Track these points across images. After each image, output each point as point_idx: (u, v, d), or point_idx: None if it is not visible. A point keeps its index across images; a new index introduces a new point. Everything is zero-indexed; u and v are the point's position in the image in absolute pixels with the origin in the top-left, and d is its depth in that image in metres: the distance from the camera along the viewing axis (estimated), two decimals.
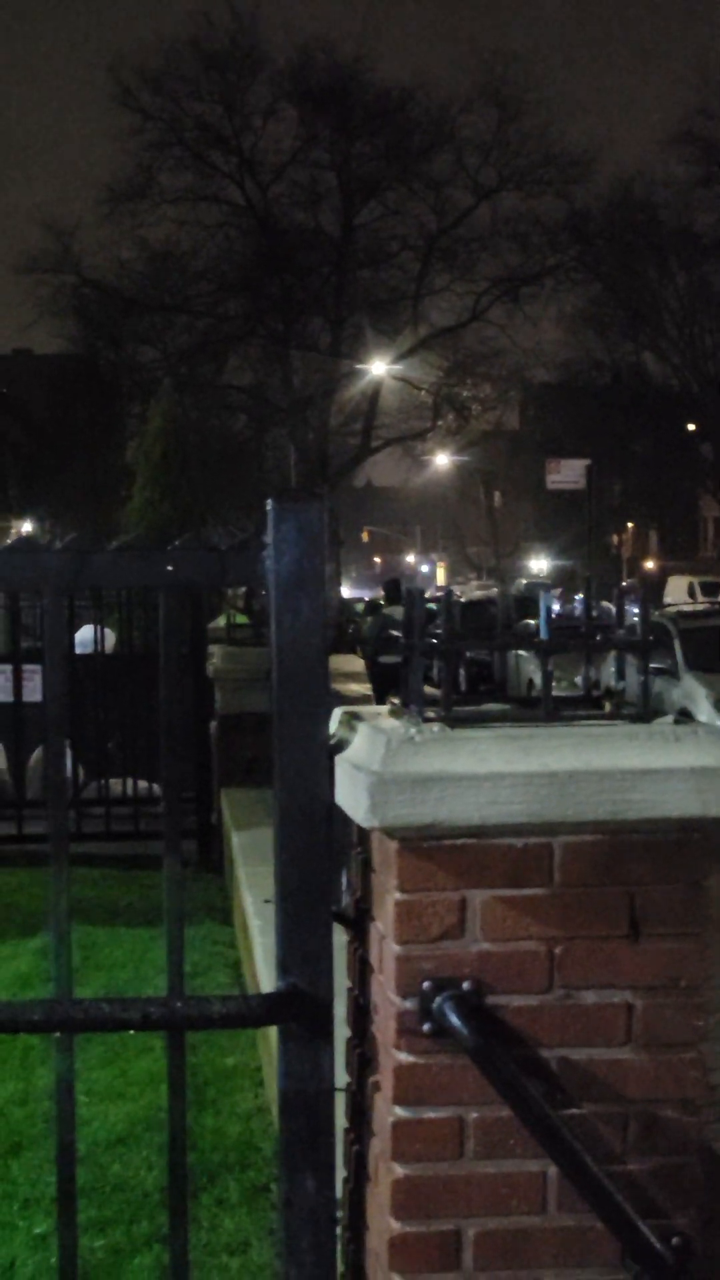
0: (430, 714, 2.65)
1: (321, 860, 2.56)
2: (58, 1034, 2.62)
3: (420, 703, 2.65)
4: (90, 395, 51.68)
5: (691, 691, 16.41)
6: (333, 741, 2.67)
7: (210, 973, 7.35)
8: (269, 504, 2.54)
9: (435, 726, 2.58)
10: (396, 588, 21.13)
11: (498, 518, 76.76)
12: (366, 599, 55.52)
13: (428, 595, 3.01)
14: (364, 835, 2.76)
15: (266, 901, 6.47)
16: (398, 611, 18.79)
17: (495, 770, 2.50)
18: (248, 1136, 5.34)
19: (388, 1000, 2.58)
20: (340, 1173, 2.81)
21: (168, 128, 46.96)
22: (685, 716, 7.02)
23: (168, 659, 2.67)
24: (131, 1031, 2.64)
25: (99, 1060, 5.94)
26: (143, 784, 11.23)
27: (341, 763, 2.63)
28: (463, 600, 29.06)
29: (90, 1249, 4.39)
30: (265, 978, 5.49)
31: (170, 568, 2.58)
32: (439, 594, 2.95)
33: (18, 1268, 4.39)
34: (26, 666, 11.33)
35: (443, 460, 56.77)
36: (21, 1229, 4.61)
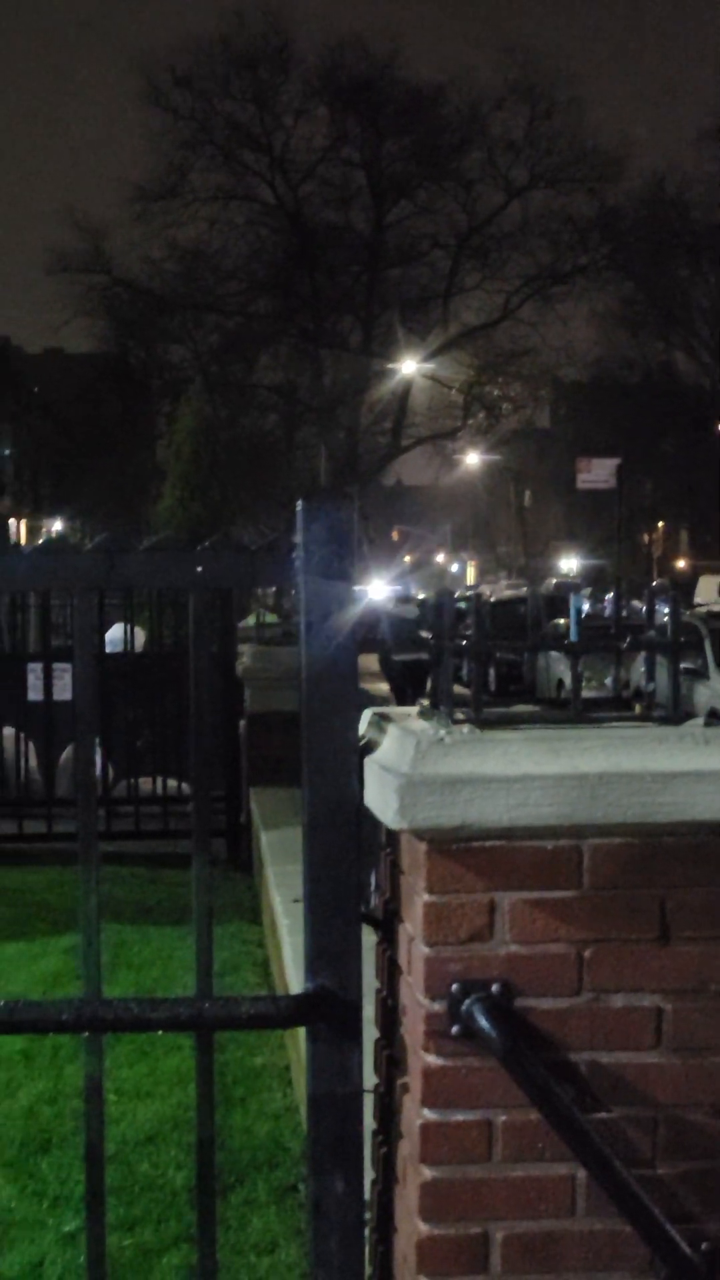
0: (460, 715, 2.64)
1: (350, 862, 2.55)
2: (87, 1034, 2.62)
3: (450, 704, 2.65)
4: (121, 394, 51.88)
5: None
6: (362, 743, 2.67)
7: (239, 971, 7.35)
8: (299, 504, 2.54)
9: (465, 728, 2.58)
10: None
11: (528, 517, 76.68)
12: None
13: (457, 595, 3.00)
14: (393, 837, 2.75)
15: (296, 901, 6.46)
16: (409, 610, 18.74)
17: (525, 772, 2.50)
18: (276, 1136, 5.34)
19: (416, 1002, 2.57)
20: (368, 1174, 2.80)
21: (199, 127, 47.09)
22: (715, 718, 6.99)
23: (198, 659, 2.67)
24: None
25: (127, 1059, 5.95)
26: (172, 783, 11.26)
27: (371, 764, 2.63)
28: (492, 600, 29.03)
29: (119, 1247, 4.40)
30: (294, 977, 5.49)
31: (200, 568, 2.58)
32: (469, 593, 2.94)
33: (47, 1265, 4.40)
34: (56, 665, 11.36)
35: (473, 459, 56.71)
36: (50, 1227, 4.62)
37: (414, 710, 2.79)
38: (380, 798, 2.57)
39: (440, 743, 2.52)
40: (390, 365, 46.34)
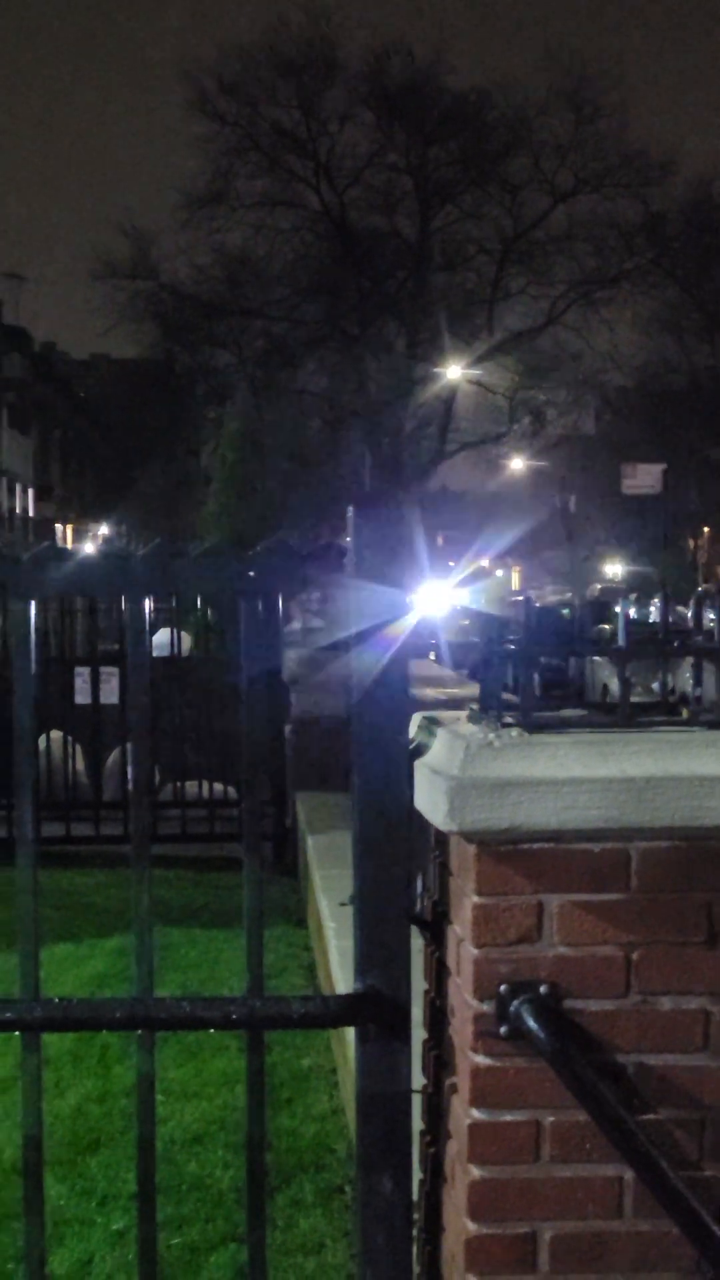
0: (508, 719, 2.66)
1: (400, 864, 2.58)
2: (139, 1032, 2.65)
3: (499, 708, 2.67)
4: (166, 400, 52.01)
5: None
6: (411, 746, 2.69)
7: (285, 975, 7.38)
8: (350, 510, 2.57)
9: (514, 731, 2.60)
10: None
11: (572, 523, 76.43)
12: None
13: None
14: (442, 839, 2.78)
15: (342, 904, 6.49)
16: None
17: (573, 775, 2.52)
18: (322, 1138, 5.37)
19: (465, 1003, 2.60)
20: (416, 1174, 2.83)
21: (244, 133, 47.16)
22: None
23: (249, 664, 2.69)
24: (209, 1031, 2.67)
25: (174, 1060, 5.99)
26: (217, 787, 11.31)
27: (420, 767, 2.66)
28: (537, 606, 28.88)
29: (167, 1246, 4.43)
30: (341, 980, 5.51)
31: (252, 573, 2.61)
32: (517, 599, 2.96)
33: (95, 1263, 4.44)
34: (103, 669, 11.44)
35: (518, 465, 56.59)
36: (99, 1225, 4.67)
37: (463, 714, 2.81)
38: (430, 800, 2.59)
39: (489, 746, 2.54)
40: (435, 370, 46.32)
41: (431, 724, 2.77)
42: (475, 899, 2.55)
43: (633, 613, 3.11)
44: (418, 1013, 2.79)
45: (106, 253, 48.78)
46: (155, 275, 47.71)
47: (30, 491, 54.72)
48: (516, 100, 47.53)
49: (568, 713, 2.79)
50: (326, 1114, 5.60)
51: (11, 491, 50.95)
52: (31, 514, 53.89)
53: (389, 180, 48.70)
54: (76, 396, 63.16)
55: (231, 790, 11.43)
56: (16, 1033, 2.62)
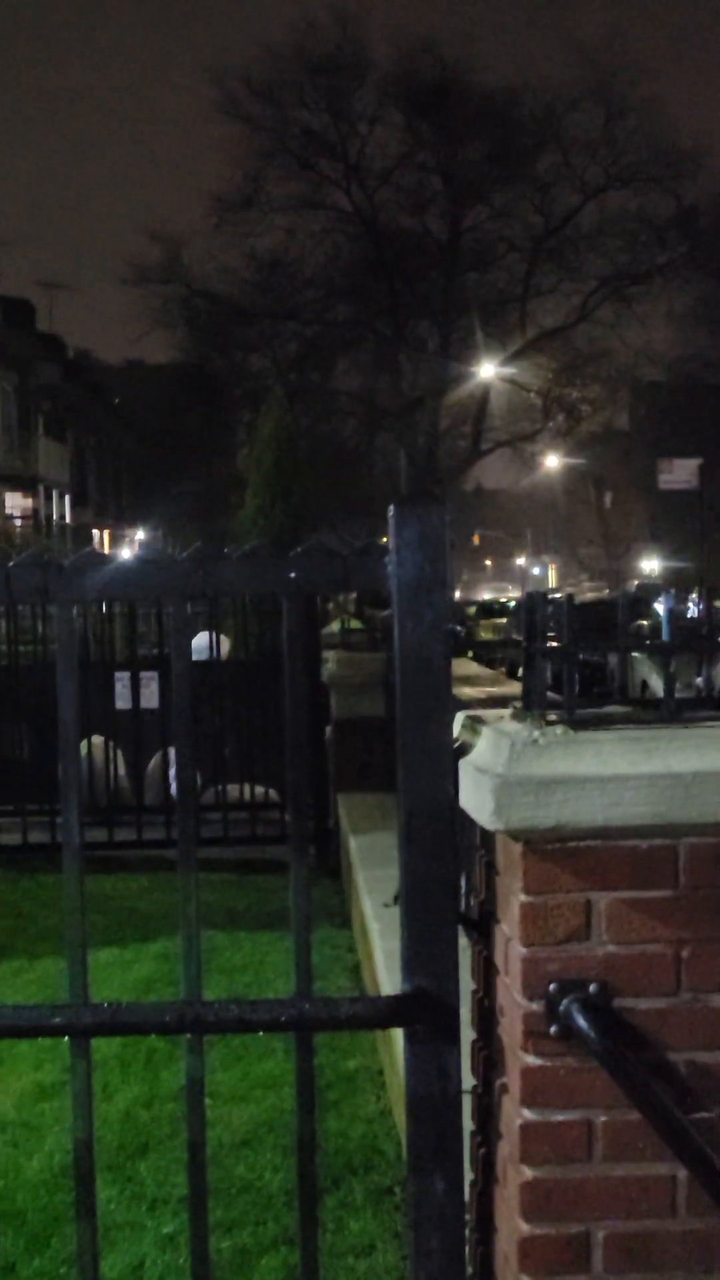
0: (552, 716, 2.65)
1: (447, 863, 2.57)
2: (187, 1035, 2.65)
3: (542, 705, 2.66)
4: (201, 404, 52.13)
5: None
6: (456, 745, 2.68)
7: (330, 976, 7.38)
8: (391, 509, 2.56)
9: (558, 729, 2.58)
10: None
11: (609, 519, 76.24)
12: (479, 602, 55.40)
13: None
14: (488, 838, 2.77)
15: (386, 905, 6.49)
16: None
17: (619, 772, 2.50)
18: (371, 1139, 5.36)
19: (514, 1002, 2.59)
20: (467, 1175, 2.82)
21: (274, 136, 47.24)
22: None
23: (291, 664, 2.69)
24: (256, 1034, 2.67)
25: (221, 1063, 5.99)
26: (259, 789, 11.32)
27: (465, 766, 2.65)
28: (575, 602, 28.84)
29: (218, 1249, 4.44)
30: (386, 981, 5.51)
31: (293, 574, 2.60)
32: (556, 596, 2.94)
33: (147, 1267, 4.45)
34: (143, 674, 11.46)
35: (553, 462, 56.49)
36: (150, 1229, 4.67)
37: (507, 712, 2.80)
38: (475, 799, 2.58)
39: (534, 744, 2.53)
40: (468, 369, 46.27)
41: (475, 722, 2.76)
42: (523, 898, 2.54)
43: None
44: (466, 1013, 2.78)
45: (138, 259, 48.96)
46: (187, 280, 47.85)
47: (67, 498, 54.92)
48: (546, 98, 47.48)
49: (612, 709, 2.77)
50: (374, 1115, 5.60)
51: (49, 498, 51.15)
52: (69, 520, 54.09)
53: (419, 180, 48.72)
54: (111, 403, 63.34)
55: (273, 793, 11.44)
56: (65, 1038, 2.62)
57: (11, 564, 2.61)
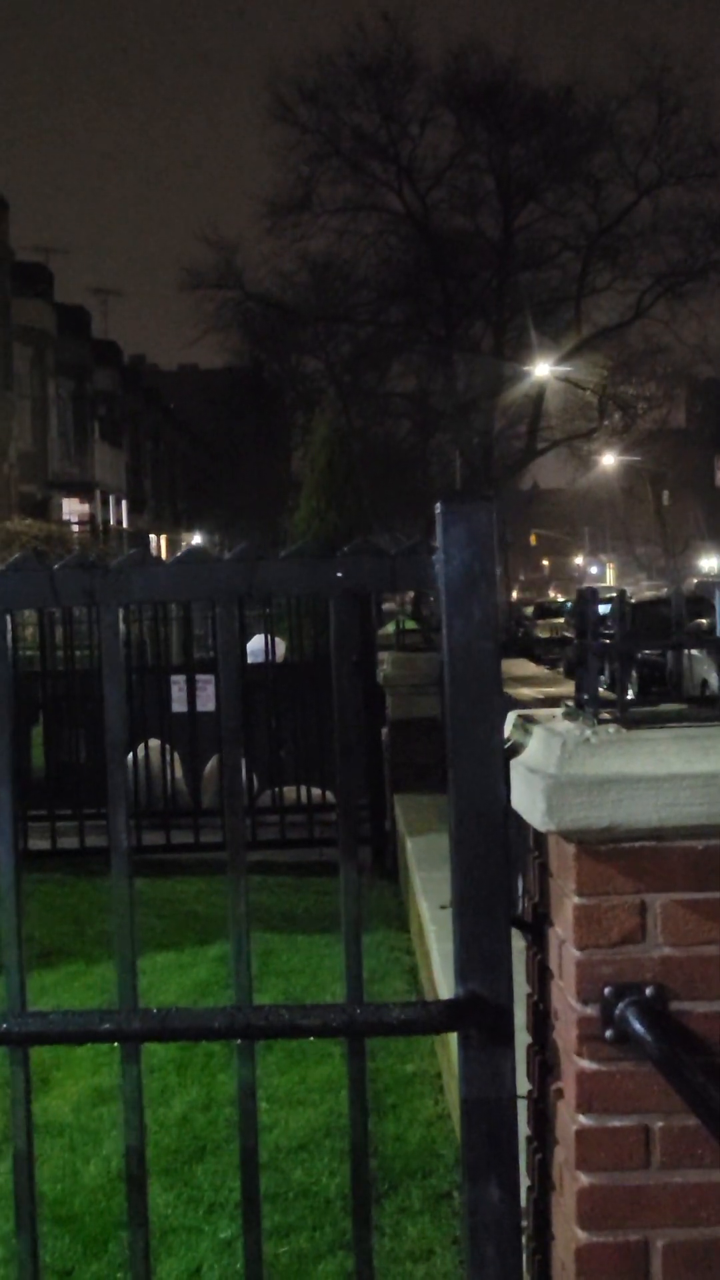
0: (605, 715, 2.61)
1: (499, 865, 2.53)
2: (239, 1041, 2.63)
3: (596, 704, 2.61)
4: (255, 407, 52.29)
5: None
6: (507, 745, 2.64)
7: (387, 979, 7.35)
8: (438, 507, 2.53)
9: (611, 728, 2.54)
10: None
11: (666, 517, 75.83)
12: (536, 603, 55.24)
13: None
14: (541, 839, 2.73)
15: (443, 908, 6.45)
16: None
17: (673, 771, 2.46)
18: (428, 1144, 5.33)
19: (569, 1006, 2.55)
20: (523, 1181, 2.78)
21: (326, 139, 47.30)
22: None
23: (340, 665, 2.66)
24: (308, 1038, 2.65)
25: (278, 1067, 5.97)
26: (315, 791, 11.31)
27: (517, 766, 2.61)
28: (632, 601, 28.71)
29: (274, 1254, 4.42)
30: (443, 984, 5.47)
31: (340, 574, 2.57)
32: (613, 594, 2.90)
33: (204, 1272, 4.43)
34: (199, 677, 11.48)
35: (609, 460, 56.25)
36: (207, 1233, 4.66)
37: (559, 711, 2.76)
38: (528, 800, 2.55)
39: (587, 743, 2.49)
40: (523, 369, 46.14)
41: (527, 722, 2.72)
42: (576, 900, 2.50)
43: None
44: (520, 1016, 2.74)
45: (192, 264, 49.11)
46: (241, 284, 47.99)
47: (123, 504, 55.19)
48: (598, 94, 47.36)
49: (666, 707, 2.73)
50: (432, 1119, 5.56)
51: (105, 504, 51.40)
52: (125, 526, 54.33)
53: (471, 180, 48.66)
54: (166, 408, 63.62)
55: (330, 795, 11.43)
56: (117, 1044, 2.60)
57: (57, 567, 2.59)
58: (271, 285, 48.24)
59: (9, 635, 2.63)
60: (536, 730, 2.64)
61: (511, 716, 2.77)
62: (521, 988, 2.77)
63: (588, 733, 2.51)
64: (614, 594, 2.79)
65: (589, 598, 2.70)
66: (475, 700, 2.53)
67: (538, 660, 36.52)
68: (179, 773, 11.76)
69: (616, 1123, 2.50)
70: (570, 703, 2.73)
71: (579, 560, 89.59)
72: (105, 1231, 4.69)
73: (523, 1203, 2.73)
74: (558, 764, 2.47)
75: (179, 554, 2.66)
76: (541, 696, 19.10)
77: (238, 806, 2.69)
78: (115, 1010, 2.58)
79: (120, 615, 2.62)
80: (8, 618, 2.63)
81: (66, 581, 2.60)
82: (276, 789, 11.40)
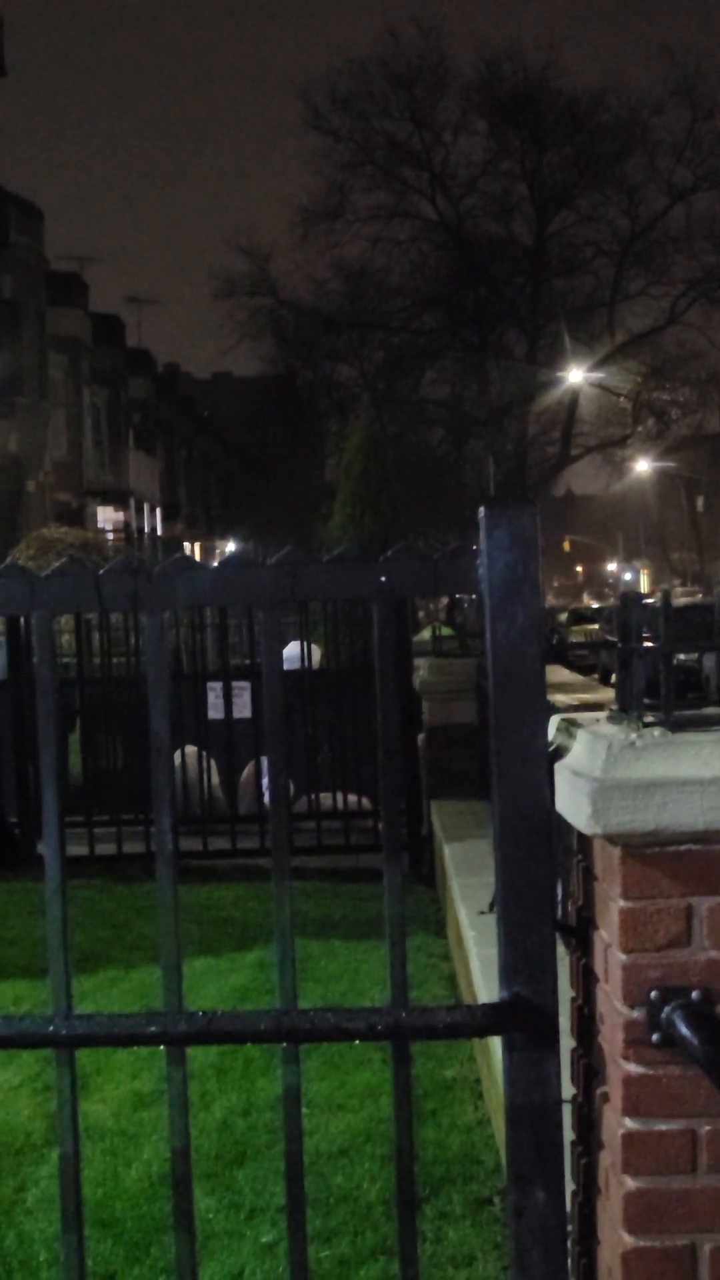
0: (649, 718, 2.60)
1: (543, 869, 2.53)
2: (283, 1045, 2.63)
3: (640, 707, 2.61)
4: (289, 415, 52.35)
5: None
6: (551, 749, 2.64)
7: (425, 985, 7.34)
8: (481, 510, 2.53)
9: (655, 731, 2.54)
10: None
11: (702, 523, 75.58)
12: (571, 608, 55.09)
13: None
14: (585, 843, 2.72)
15: (482, 913, 6.44)
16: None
17: (719, 774, 2.45)
18: (469, 1149, 5.32)
19: (614, 1010, 2.54)
20: (569, 1186, 2.77)
21: (358, 147, 47.38)
22: None
23: (383, 669, 2.66)
24: (352, 1043, 2.65)
25: (318, 1073, 5.97)
26: (352, 798, 11.31)
27: (561, 770, 2.61)
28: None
29: (316, 1259, 4.41)
30: (483, 989, 5.46)
31: (383, 578, 2.58)
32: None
33: (246, 1276, 4.44)
34: (235, 683, 11.50)
35: (643, 466, 56.09)
36: (249, 1238, 4.66)
37: (602, 715, 2.76)
38: (572, 803, 2.54)
39: (631, 746, 2.48)
40: (557, 375, 46.07)
41: (571, 725, 2.72)
42: (622, 903, 2.49)
43: None
44: (565, 1021, 2.74)
45: (226, 272, 49.22)
46: (274, 292, 48.10)
47: (158, 511, 55.34)
48: (630, 100, 47.24)
49: (710, 710, 2.72)
50: (472, 1125, 5.55)
51: (140, 511, 51.55)
52: (160, 533, 54.48)
53: (504, 187, 48.63)
54: (200, 416, 63.76)
55: (366, 801, 11.43)
56: (161, 1047, 2.61)
57: (102, 571, 2.60)
58: (305, 293, 48.40)
59: (54, 639, 2.64)
60: (581, 734, 2.64)
61: (555, 720, 2.77)
62: (566, 992, 2.77)
63: (633, 736, 2.51)
64: (656, 596, 2.79)
65: (632, 601, 2.69)
66: (519, 703, 2.53)
67: (571, 667, 36.44)
68: (215, 779, 11.78)
69: (663, 1127, 2.50)
70: (614, 706, 2.73)
71: (613, 566, 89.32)
72: (147, 1235, 4.70)
73: (568, 1207, 2.72)
74: (603, 767, 2.47)
75: (222, 558, 2.66)
76: (577, 702, 19.04)
77: (283, 810, 2.69)
78: (161, 1013, 2.59)
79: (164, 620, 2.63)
80: (52, 622, 2.64)
81: (112, 586, 2.61)
82: (313, 795, 11.41)
